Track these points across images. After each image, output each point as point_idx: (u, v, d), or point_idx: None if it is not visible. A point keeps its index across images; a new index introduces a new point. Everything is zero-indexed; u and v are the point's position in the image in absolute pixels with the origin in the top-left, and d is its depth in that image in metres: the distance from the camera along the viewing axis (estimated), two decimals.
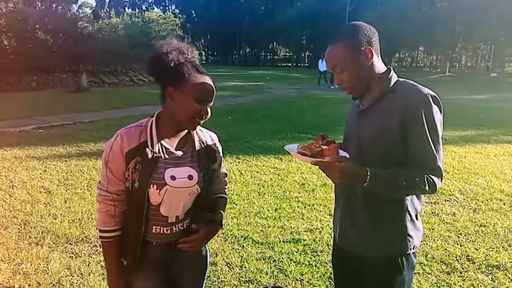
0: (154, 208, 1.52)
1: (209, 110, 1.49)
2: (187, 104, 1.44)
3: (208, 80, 1.47)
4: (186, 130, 1.58)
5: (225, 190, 1.82)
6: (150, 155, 1.47)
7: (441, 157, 1.46)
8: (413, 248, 1.59)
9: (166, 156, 1.51)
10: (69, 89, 17.20)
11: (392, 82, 1.53)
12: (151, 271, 1.61)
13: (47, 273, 3.01)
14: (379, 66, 1.53)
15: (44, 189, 4.85)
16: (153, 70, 1.50)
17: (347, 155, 1.43)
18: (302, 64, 65.18)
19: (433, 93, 1.45)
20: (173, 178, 1.49)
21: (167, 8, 77.04)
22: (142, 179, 1.45)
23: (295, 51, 69.41)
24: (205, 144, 1.64)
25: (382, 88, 1.52)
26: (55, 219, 4.00)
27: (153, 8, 76.47)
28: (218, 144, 1.71)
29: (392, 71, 1.54)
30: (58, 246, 3.45)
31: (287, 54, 78.71)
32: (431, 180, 1.43)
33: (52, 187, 4.93)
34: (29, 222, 3.91)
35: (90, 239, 3.58)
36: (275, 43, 72.21)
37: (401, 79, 1.55)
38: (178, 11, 74.01)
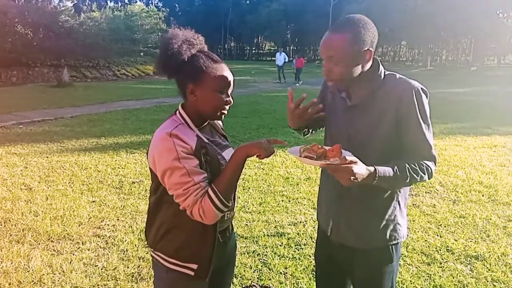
0: None
1: (231, 97, 1.49)
2: (212, 98, 1.43)
3: (225, 68, 1.46)
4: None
5: None
6: (209, 146, 1.46)
7: (433, 145, 1.51)
8: (402, 237, 1.64)
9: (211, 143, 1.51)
10: (50, 84, 16.89)
11: (382, 77, 1.53)
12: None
13: (28, 271, 2.97)
14: (372, 64, 1.53)
15: (25, 186, 4.77)
16: (166, 68, 1.44)
17: (351, 155, 1.38)
18: (288, 58, 65.30)
19: (421, 85, 1.49)
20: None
21: (150, 1, 75.99)
22: (213, 167, 1.44)
23: (280, 45, 69.32)
24: (221, 127, 1.71)
25: (374, 84, 1.52)
26: (36, 216, 3.94)
27: (136, 2, 75.21)
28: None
29: (380, 65, 1.54)
30: (39, 244, 3.40)
31: (272, 48, 78.64)
32: (430, 168, 1.48)
33: (33, 184, 4.85)
34: (10, 219, 3.85)
35: (72, 236, 3.54)
36: (260, 37, 72.12)
37: (387, 72, 1.56)
38: (162, 5, 73.05)
